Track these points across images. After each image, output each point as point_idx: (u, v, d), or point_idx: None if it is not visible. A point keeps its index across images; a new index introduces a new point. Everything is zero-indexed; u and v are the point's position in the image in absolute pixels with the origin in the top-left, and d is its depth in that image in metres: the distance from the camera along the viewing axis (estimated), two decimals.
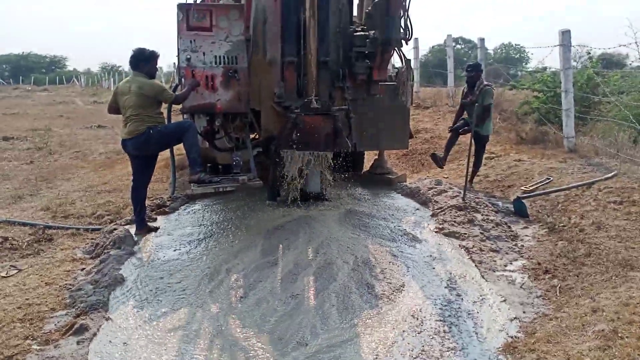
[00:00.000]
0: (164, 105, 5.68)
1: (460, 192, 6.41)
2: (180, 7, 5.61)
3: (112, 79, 43.41)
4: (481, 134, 7.00)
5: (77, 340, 3.58)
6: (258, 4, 5.98)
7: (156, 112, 5.40)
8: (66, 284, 4.46)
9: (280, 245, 5.10)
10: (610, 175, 6.32)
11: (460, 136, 7.63)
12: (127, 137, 5.32)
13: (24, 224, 5.98)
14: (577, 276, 4.38)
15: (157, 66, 5.72)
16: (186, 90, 5.46)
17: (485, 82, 7.22)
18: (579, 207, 5.73)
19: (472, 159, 6.70)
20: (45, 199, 7.33)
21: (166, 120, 5.62)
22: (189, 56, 5.62)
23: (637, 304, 3.69)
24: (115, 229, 5.49)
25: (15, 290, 4.37)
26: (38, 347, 3.52)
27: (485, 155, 7.66)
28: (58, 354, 3.44)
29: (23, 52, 73.97)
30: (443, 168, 7.84)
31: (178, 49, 5.74)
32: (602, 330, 3.42)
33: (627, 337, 3.32)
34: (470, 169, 6.74)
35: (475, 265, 4.72)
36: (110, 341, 3.63)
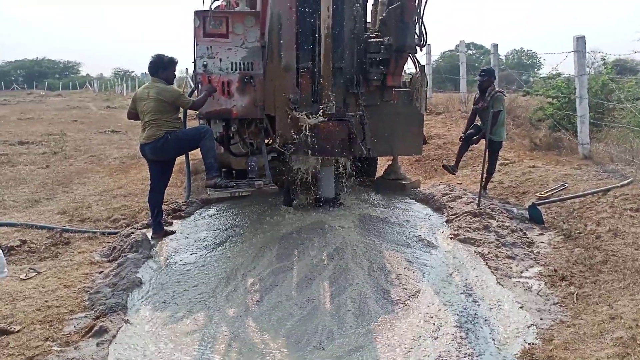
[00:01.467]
0: (181, 111, 5.74)
1: (474, 198, 6.40)
2: (197, 13, 5.68)
3: (124, 85, 43.84)
4: (494, 140, 6.99)
5: (97, 342, 3.62)
6: (273, 10, 6.02)
7: (174, 117, 5.48)
8: (85, 287, 4.52)
9: (296, 250, 5.13)
10: (626, 182, 6.28)
11: (475, 142, 7.61)
12: (145, 141, 5.39)
13: (42, 228, 6.06)
14: (594, 283, 4.36)
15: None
16: (203, 96, 5.52)
17: (497, 89, 7.21)
18: (595, 214, 5.71)
19: (486, 165, 6.69)
20: (62, 202, 7.42)
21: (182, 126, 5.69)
22: (205, 62, 5.68)
23: None
24: (132, 233, 5.55)
25: (34, 292, 4.43)
26: (58, 349, 3.57)
27: (499, 162, 7.64)
28: (78, 355, 3.48)
29: (37, 58, 74.93)
30: (456, 174, 7.84)
31: (194, 55, 5.81)
32: (621, 337, 3.40)
33: None
34: (484, 175, 6.73)
35: (492, 272, 4.70)
36: (129, 343, 3.67)
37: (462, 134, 7.55)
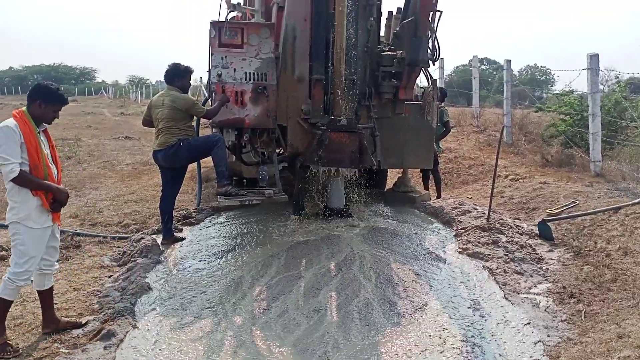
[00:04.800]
0: (195, 118, 5.82)
1: (484, 213, 6.38)
2: (213, 24, 5.78)
3: (139, 92, 44.31)
4: None
5: (104, 346, 3.65)
6: (288, 22, 6.10)
7: (187, 125, 5.56)
8: (94, 290, 4.57)
9: (304, 260, 5.14)
10: (637, 200, 6.23)
11: (486, 157, 7.66)
12: (158, 148, 5.47)
13: None
14: (603, 301, 4.33)
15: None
16: (217, 105, 5.59)
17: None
18: (605, 231, 5.67)
19: (492, 182, 6.70)
20: (74, 206, 7.48)
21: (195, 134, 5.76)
22: (220, 72, 5.76)
23: None
24: (142, 238, 5.60)
25: None
26: (66, 351, 3.61)
27: (510, 177, 7.66)
28: (85, 358, 3.52)
29: (54, 63, 76.01)
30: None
31: (209, 64, 5.90)
32: (628, 356, 3.38)
33: None
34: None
35: (500, 287, 4.68)
36: (136, 348, 3.70)
37: None
